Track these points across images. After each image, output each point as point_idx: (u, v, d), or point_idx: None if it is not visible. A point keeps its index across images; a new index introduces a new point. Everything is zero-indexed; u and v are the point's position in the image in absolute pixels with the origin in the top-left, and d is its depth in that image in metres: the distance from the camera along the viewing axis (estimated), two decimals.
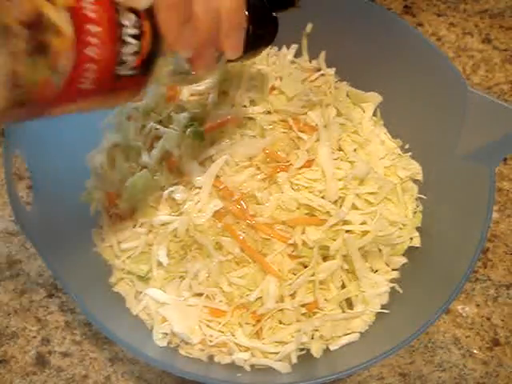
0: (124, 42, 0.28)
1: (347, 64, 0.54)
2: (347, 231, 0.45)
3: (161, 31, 0.29)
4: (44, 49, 0.24)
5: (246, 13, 0.34)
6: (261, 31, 0.38)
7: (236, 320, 0.44)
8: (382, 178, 0.49)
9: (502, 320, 0.51)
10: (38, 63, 0.24)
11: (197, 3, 0.30)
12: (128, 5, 0.28)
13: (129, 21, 0.28)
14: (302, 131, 0.49)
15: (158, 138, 0.50)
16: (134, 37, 0.28)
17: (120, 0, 0.27)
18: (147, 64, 0.30)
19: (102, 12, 0.26)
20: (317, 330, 0.44)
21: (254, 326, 0.44)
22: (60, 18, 0.25)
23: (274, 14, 0.39)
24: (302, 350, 0.44)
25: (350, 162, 0.48)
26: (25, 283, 0.51)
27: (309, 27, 0.54)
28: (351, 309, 0.45)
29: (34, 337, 0.49)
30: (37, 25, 0.24)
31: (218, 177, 0.46)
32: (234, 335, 0.44)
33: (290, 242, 0.44)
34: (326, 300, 0.45)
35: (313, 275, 0.44)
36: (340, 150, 0.49)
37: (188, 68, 0.34)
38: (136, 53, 0.28)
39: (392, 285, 0.46)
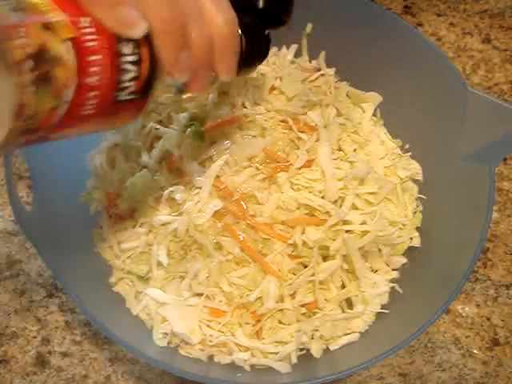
0: (123, 70, 0.29)
1: (347, 64, 0.54)
2: (347, 231, 0.45)
3: (158, 57, 0.30)
4: (48, 79, 0.25)
5: (240, 32, 0.35)
6: (254, 50, 0.39)
7: (236, 320, 0.44)
8: (382, 178, 0.49)
9: (502, 320, 0.51)
10: (43, 93, 0.25)
11: (192, 30, 0.31)
12: (125, 35, 0.28)
13: (127, 49, 0.29)
14: (301, 131, 0.49)
15: (158, 138, 0.50)
16: (133, 63, 0.29)
17: (117, 31, 0.28)
18: (145, 88, 0.31)
19: (102, 43, 0.27)
20: (317, 330, 0.44)
21: (254, 326, 0.44)
22: (63, 50, 0.26)
23: (266, 32, 0.40)
24: (301, 350, 0.44)
25: (349, 162, 0.48)
26: (25, 283, 0.51)
27: (309, 27, 0.54)
28: (351, 309, 0.45)
29: (34, 337, 0.49)
30: (41, 57, 0.25)
31: (217, 177, 0.46)
32: (234, 335, 0.44)
33: (290, 242, 0.44)
34: (326, 300, 0.45)
35: (313, 275, 0.44)
36: (340, 149, 0.49)
37: (183, 88, 0.35)
38: (135, 78, 0.29)
39: (392, 285, 0.46)
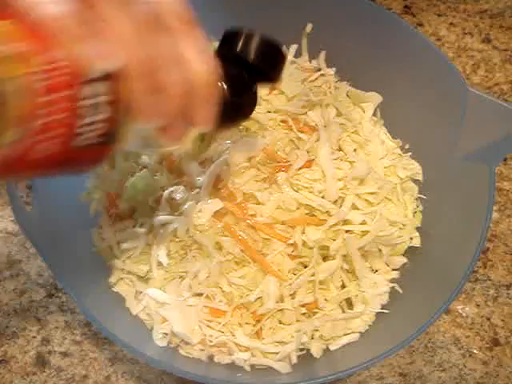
0: (86, 112, 0.25)
1: (347, 64, 0.54)
2: (347, 231, 0.45)
3: (129, 100, 0.27)
4: None
5: (224, 85, 0.33)
6: (238, 103, 0.36)
7: (236, 320, 0.44)
8: (382, 178, 0.49)
9: (502, 320, 0.51)
10: None
11: (168, 75, 0.28)
12: (98, 67, 0.25)
13: (94, 89, 0.25)
14: (301, 131, 0.49)
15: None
16: (99, 106, 0.26)
17: (89, 63, 0.25)
18: (110, 134, 0.27)
19: (64, 81, 0.24)
20: (317, 330, 0.44)
21: (254, 326, 0.44)
22: (11, 87, 0.22)
23: (253, 88, 0.37)
24: (302, 349, 0.44)
25: (349, 162, 0.48)
26: (25, 283, 0.51)
27: (309, 27, 0.54)
28: (351, 309, 0.45)
29: (34, 337, 0.49)
30: None
31: (217, 177, 0.46)
32: (234, 335, 0.44)
33: (290, 242, 0.44)
34: (326, 300, 0.45)
35: (313, 275, 0.44)
36: (340, 150, 0.49)
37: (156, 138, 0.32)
38: (100, 122, 0.26)
39: (392, 285, 0.46)
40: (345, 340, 0.44)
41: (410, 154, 0.52)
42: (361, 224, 0.46)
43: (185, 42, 0.29)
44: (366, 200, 0.47)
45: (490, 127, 0.44)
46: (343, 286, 0.46)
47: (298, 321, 0.44)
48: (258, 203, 0.46)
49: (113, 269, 0.47)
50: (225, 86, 0.33)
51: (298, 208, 0.46)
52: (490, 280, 0.52)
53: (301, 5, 0.52)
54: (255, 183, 0.46)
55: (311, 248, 0.44)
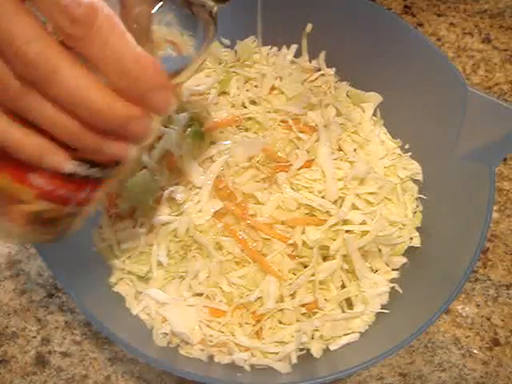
0: (84, 184, 0.29)
1: (347, 64, 0.54)
2: (347, 231, 0.45)
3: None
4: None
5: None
6: None
7: (236, 320, 0.44)
8: (381, 178, 0.49)
9: (502, 320, 0.51)
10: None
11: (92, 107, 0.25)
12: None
13: (79, 169, 0.28)
14: (301, 131, 0.49)
15: (157, 138, 0.50)
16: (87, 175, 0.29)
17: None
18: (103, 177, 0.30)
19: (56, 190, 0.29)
20: (317, 330, 0.44)
21: (254, 326, 0.44)
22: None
23: None
24: (301, 349, 0.44)
25: (349, 162, 0.48)
26: (25, 283, 0.51)
27: (309, 27, 0.54)
28: (351, 309, 0.45)
29: (34, 337, 0.49)
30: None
31: (217, 177, 0.46)
32: (234, 335, 0.44)
33: (290, 242, 0.44)
34: (326, 300, 0.45)
35: (313, 275, 0.44)
36: (340, 150, 0.49)
37: None
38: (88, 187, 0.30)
39: (392, 285, 0.46)
40: (345, 340, 0.44)
41: (409, 154, 0.52)
42: (361, 224, 0.46)
43: (96, 59, 0.24)
44: (366, 200, 0.47)
45: (489, 127, 0.44)
46: (343, 286, 0.46)
47: (298, 321, 0.44)
48: (258, 203, 0.46)
49: (113, 269, 0.47)
50: None
51: (297, 208, 0.46)
52: (490, 280, 0.52)
53: (301, 5, 0.52)
54: (255, 183, 0.46)
55: (311, 248, 0.44)
